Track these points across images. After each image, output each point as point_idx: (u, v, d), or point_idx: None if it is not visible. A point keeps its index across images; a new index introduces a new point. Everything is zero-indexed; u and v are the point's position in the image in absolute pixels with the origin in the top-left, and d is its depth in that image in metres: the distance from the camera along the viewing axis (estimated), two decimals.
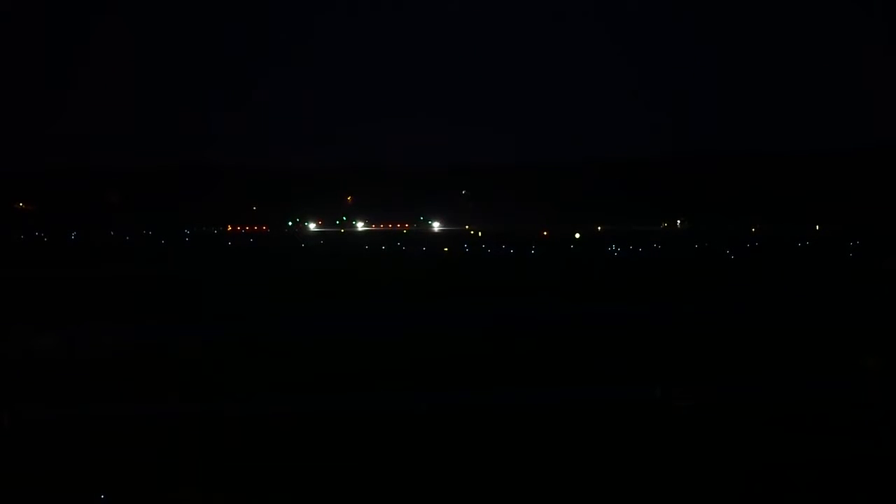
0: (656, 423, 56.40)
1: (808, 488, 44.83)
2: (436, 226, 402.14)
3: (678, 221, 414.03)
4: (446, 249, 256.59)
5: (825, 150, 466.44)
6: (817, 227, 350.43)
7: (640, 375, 71.12)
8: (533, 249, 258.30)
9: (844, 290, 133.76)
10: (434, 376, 71.84)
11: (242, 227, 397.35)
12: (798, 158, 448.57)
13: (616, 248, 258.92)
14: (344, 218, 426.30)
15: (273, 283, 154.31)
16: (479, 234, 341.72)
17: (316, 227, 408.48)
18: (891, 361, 74.21)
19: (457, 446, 51.73)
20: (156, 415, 58.58)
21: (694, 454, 50.31)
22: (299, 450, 51.54)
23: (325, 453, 50.87)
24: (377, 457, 50.13)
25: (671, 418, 57.69)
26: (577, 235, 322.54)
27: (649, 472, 47.31)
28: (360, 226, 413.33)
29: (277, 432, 54.62)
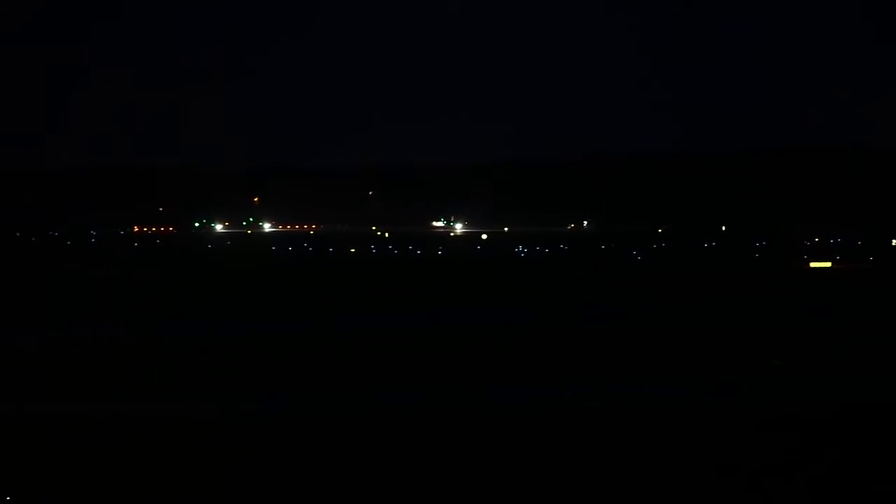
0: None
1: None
2: (458, 227, 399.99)
3: (584, 222, 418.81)
4: (353, 250, 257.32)
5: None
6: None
7: (545, 376, 71.74)
8: (440, 250, 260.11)
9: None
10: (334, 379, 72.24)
11: (149, 228, 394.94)
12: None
13: (522, 248, 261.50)
14: (251, 219, 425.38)
15: (177, 282, 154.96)
16: (386, 234, 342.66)
17: (223, 228, 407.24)
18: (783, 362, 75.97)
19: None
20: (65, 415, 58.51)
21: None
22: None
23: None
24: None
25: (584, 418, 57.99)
26: (484, 236, 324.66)
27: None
28: (267, 227, 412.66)
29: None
